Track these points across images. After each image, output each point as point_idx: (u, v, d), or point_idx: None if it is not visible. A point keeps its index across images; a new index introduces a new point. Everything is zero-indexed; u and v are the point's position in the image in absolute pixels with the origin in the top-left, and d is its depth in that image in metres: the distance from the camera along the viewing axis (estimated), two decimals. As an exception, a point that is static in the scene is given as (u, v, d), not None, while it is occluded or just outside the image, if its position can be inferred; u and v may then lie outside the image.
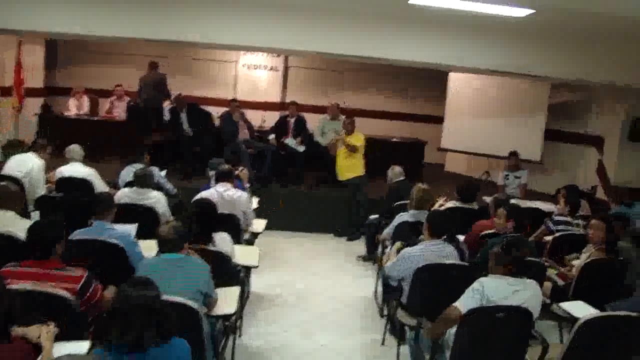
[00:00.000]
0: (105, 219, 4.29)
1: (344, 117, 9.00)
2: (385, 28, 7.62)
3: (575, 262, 4.87)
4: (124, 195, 5.59)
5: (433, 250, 4.43)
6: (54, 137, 8.46)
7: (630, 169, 9.35)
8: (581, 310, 3.98)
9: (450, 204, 6.45)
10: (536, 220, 6.19)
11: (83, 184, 6.15)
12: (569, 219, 5.78)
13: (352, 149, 8.13)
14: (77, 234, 4.10)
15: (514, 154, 8.76)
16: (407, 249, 4.53)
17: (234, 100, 9.76)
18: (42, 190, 6.00)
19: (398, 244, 4.88)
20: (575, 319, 3.55)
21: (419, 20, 7.43)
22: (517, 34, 7.67)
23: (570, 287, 4.58)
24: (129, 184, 6.00)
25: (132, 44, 10.52)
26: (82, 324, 3.13)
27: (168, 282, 3.21)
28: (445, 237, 4.66)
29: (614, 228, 4.86)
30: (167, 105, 9.82)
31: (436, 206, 6.18)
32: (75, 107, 10.39)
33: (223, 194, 5.62)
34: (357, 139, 8.26)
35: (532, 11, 6.29)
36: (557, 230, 5.60)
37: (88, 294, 3.24)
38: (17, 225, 4.09)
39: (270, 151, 9.16)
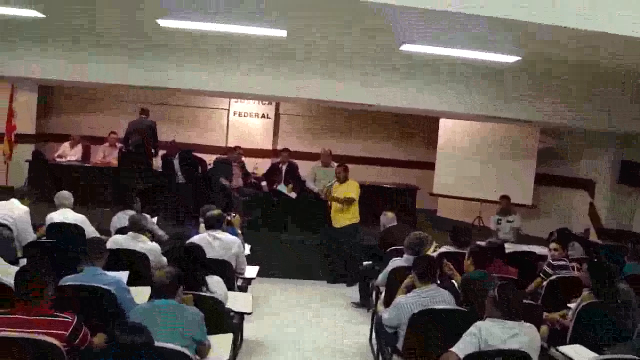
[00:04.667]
0: (96, 265, 4.22)
1: (336, 164, 9.03)
2: (377, 75, 7.77)
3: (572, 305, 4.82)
4: (117, 241, 5.51)
5: (426, 297, 4.39)
6: (45, 183, 8.44)
7: (621, 211, 9.41)
8: (580, 353, 3.93)
9: (444, 248, 6.43)
10: (529, 264, 6.22)
11: (74, 230, 6.07)
12: (566, 262, 5.76)
13: (345, 202, 8.02)
14: (68, 280, 4.03)
15: (505, 197, 8.80)
16: (401, 298, 4.50)
17: (236, 147, 9.78)
18: (30, 237, 5.91)
19: (407, 280, 4.79)
20: (575, 363, 3.50)
21: (409, 67, 7.57)
22: (505, 81, 7.83)
23: (568, 331, 4.52)
24: (121, 231, 5.94)
25: (125, 91, 10.65)
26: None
27: (160, 328, 3.15)
28: (438, 282, 4.63)
29: (600, 271, 4.75)
30: (160, 153, 9.86)
31: (430, 251, 6.14)
32: (68, 153, 10.38)
33: (215, 236, 5.56)
34: (350, 189, 8.07)
35: (519, 58, 6.41)
36: (556, 274, 5.56)
37: (77, 341, 3.15)
38: (6, 272, 4.01)
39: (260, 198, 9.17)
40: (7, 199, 6.16)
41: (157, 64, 7.66)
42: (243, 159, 9.91)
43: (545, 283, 5.47)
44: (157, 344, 2.83)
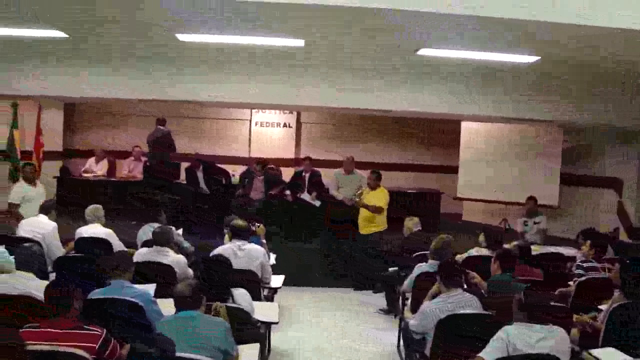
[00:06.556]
0: (124, 278, 4.27)
1: (359, 171, 8.99)
2: (396, 80, 7.77)
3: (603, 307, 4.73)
4: (142, 254, 5.56)
5: (452, 302, 4.35)
6: (73, 199, 8.59)
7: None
8: (613, 357, 3.84)
9: (474, 252, 6.37)
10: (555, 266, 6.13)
11: (102, 244, 6.15)
12: (595, 263, 5.67)
13: (375, 211, 8.07)
14: (96, 293, 4.08)
15: (531, 198, 8.71)
16: (427, 304, 4.48)
17: (259, 159, 9.83)
18: (59, 252, 6.02)
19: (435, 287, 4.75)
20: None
21: (427, 71, 7.55)
22: (525, 81, 7.78)
23: (599, 334, 4.43)
24: (146, 244, 5.99)
25: (148, 105, 10.77)
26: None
27: (185, 339, 3.17)
28: (464, 286, 4.59)
29: (630, 272, 4.65)
30: (183, 165, 9.96)
31: (457, 256, 6.11)
32: (94, 168, 10.55)
33: (240, 247, 5.58)
34: (379, 197, 8.12)
35: (538, 58, 6.35)
36: (586, 276, 5.47)
37: (107, 353, 3.19)
38: (36, 286, 4.08)
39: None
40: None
41: (176, 78, 7.77)
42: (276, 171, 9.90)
43: (575, 285, 5.38)
44: (183, 354, 2.85)
